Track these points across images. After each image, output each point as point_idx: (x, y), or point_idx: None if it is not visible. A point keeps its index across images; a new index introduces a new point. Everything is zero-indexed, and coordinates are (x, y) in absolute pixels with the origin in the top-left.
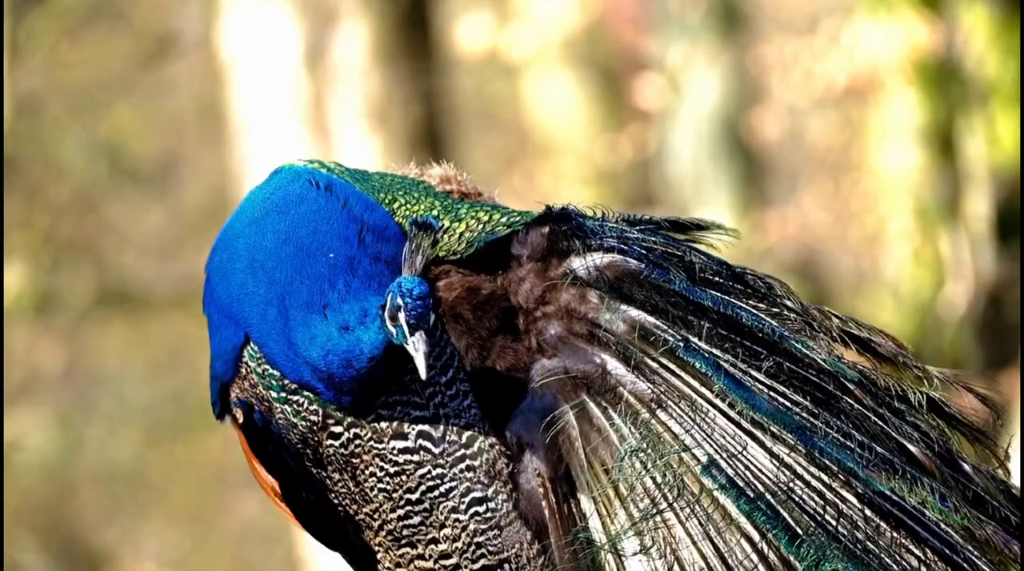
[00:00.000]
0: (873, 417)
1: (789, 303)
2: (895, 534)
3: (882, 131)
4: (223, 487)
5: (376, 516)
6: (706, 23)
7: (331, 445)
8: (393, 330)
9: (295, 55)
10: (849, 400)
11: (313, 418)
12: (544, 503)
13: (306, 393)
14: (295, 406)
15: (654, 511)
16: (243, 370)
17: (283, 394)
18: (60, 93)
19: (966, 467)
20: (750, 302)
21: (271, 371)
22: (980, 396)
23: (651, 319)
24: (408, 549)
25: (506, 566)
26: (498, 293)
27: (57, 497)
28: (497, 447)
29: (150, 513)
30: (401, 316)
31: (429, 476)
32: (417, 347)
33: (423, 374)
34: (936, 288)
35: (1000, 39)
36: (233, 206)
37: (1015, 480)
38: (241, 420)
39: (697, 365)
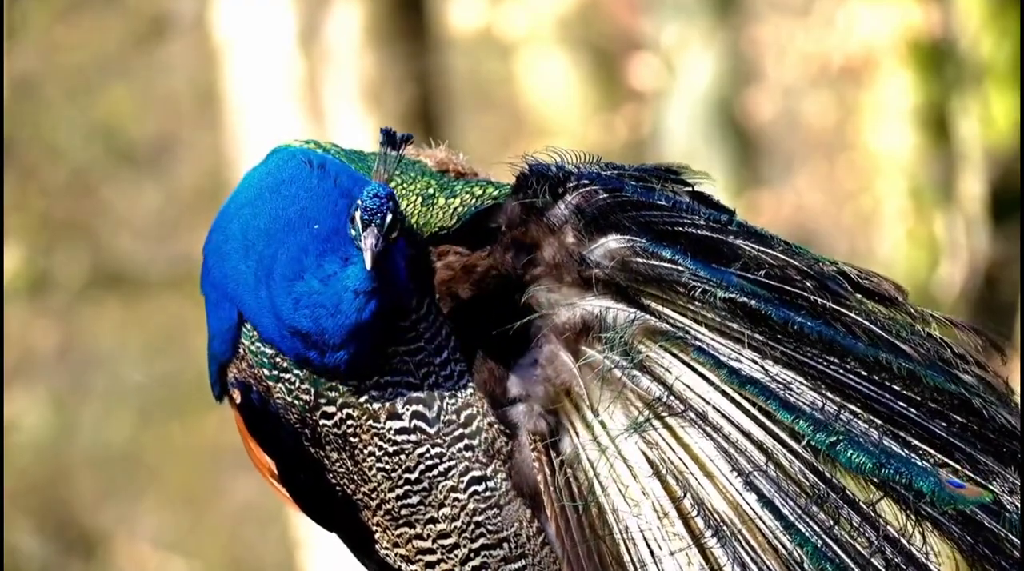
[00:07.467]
0: (865, 321)
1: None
2: (893, 404)
3: (877, 112)
4: (218, 468)
5: (374, 496)
6: (701, 3)
7: (325, 425)
8: (353, 232)
9: (289, 36)
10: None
11: (305, 397)
12: (539, 476)
13: (296, 372)
14: (287, 384)
15: (657, 408)
16: (240, 350)
17: (275, 372)
18: (55, 75)
19: (966, 377)
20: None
21: (263, 349)
22: (976, 331)
23: (626, 238)
24: (406, 529)
25: (505, 545)
26: (492, 270)
27: (52, 478)
28: (496, 426)
29: (145, 494)
30: (357, 214)
31: (427, 456)
32: (365, 243)
33: (368, 264)
34: (931, 268)
35: (995, 20)
36: (229, 187)
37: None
38: (239, 400)
39: (665, 254)
